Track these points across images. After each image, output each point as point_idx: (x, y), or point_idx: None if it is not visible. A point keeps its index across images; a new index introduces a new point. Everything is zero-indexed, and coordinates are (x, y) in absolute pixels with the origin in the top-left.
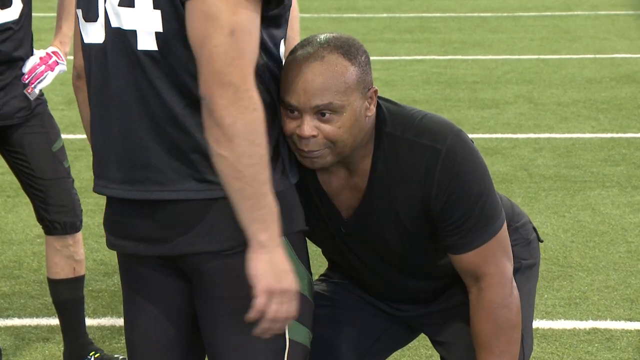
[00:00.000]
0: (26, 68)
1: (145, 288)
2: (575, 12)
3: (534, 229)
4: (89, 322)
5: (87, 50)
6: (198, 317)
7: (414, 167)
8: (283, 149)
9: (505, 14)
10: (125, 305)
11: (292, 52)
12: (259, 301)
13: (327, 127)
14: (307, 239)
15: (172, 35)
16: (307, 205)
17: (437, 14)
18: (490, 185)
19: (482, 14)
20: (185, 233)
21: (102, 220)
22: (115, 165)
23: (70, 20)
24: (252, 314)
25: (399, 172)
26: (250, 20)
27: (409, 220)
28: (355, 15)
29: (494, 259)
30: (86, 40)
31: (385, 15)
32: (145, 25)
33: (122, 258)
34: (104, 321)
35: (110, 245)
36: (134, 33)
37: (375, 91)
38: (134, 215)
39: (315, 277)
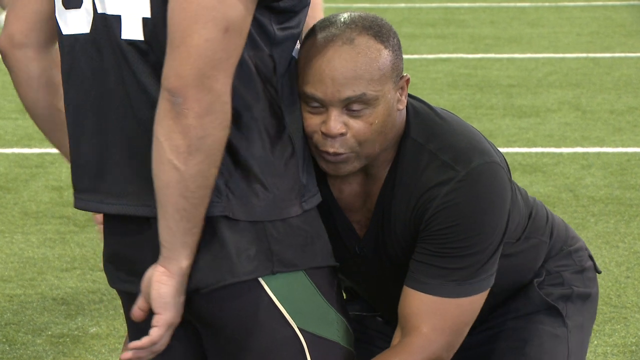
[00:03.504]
0: None
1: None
2: (631, 2)
3: (591, 257)
4: None
5: (68, 43)
6: (208, 356)
7: (423, 183)
8: (300, 161)
9: (546, 4)
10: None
11: (311, 35)
12: (158, 333)
13: (357, 124)
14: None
15: (161, 22)
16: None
17: (466, 4)
18: (495, 243)
19: (519, 4)
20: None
21: (63, 252)
22: (95, 174)
23: None
24: (142, 344)
25: (409, 187)
26: (245, 18)
27: (406, 239)
28: (367, 5)
29: (435, 322)
30: (65, 31)
31: (403, 5)
32: (132, 10)
33: (124, 296)
34: None
35: (112, 282)
36: (118, 19)
37: (408, 80)
38: (133, 240)
39: None
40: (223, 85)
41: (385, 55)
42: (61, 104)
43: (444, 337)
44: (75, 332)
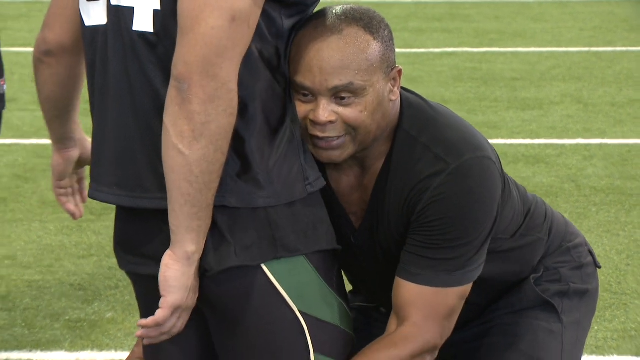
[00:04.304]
0: None
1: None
2: None
3: (591, 252)
4: (65, 356)
5: (90, 34)
6: (214, 341)
7: (415, 175)
8: (300, 148)
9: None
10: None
11: (304, 26)
12: (163, 314)
13: (347, 111)
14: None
15: (170, 14)
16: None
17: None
18: (484, 235)
19: (522, 0)
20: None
21: (80, 239)
22: (108, 165)
23: None
24: (147, 322)
25: (402, 178)
26: (252, 8)
27: (399, 231)
28: (374, 0)
29: (426, 312)
30: (87, 23)
31: (410, 0)
32: (144, 2)
33: (133, 278)
34: (82, 355)
35: (121, 265)
36: (131, 11)
37: (400, 71)
38: (139, 227)
39: None
40: (228, 73)
41: (374, 47)
42: (75, 94)
43: (437, 325)
44: (92, 317)
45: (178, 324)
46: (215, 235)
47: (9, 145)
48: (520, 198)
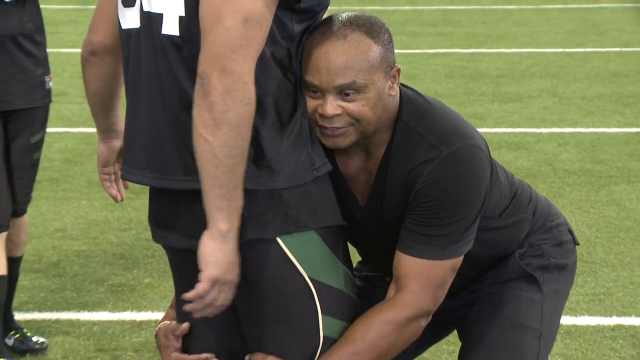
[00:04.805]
0: None
1: (190, 285)
2: (602, 5)
3: (570, 231)
4: (108, 316)
5: (125, 36)
6: (236, 305)
7: (412, 161)
8: (308, 139)
9: (529, 7)
10: (176, 302)
11: (313, 31)
12: (202, 287)
13: (351, 105)
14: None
15: (193, 20)
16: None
17: (461, 7)
18: (473, 214)
19: (506, 7)
20: (199, 225)
21: (121, 215)
22: (139, 151)
23: None
24: (190, 295)
25: (401, 163)
26: (263, 12)
27: (399, 210)
28: (377, 7)
29: (422, 282)
30: (124, 26)
31: (407, 8)
32: (171, 9)
33: (168, 252)
34: (123, 315)
35: (153, 237)
36: (160, 17)
37: (398, 70)
38: (168, 205)
39: None
40: (243, 68)
41: (374, 49)
42: (117, 90)
43: (430, 293)
44: (132, 282)
45: (220, 297)
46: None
47: (60, 133)
48: (508, 182)
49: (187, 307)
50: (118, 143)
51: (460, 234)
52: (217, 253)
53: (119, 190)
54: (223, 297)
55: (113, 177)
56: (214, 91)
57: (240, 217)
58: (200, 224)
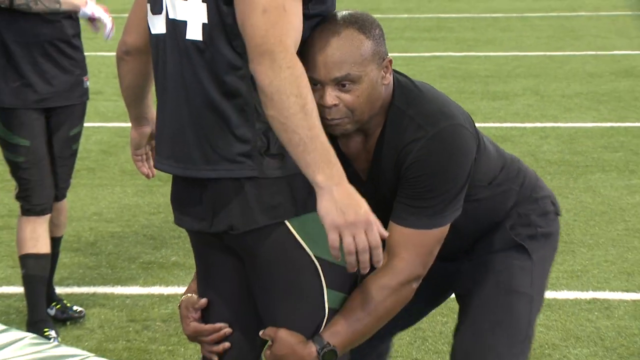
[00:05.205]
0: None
1: (206, 264)
2: (579, 13)
3: (554, 203)
4: (139, 290)
5: (155, 41)
6: (252, 289)
7: (403, 141)
8: None
9: (514, 15)
10: (197, 278)
11: (314, 30)
12: (330, 237)
13: (347, 97)
14: None
15: (214, 26)
16: None
17: (453, 15)
18: (458, 187)
19: (493, 15)
20: (220, 211)
21: (151, 200)
22: (166, 143)
23: None
24: (332, 251)
25: (393, 143)
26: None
27: (393, 184)
28: (378, 15)
29: (412, 249)
30: (153, 31)
31: (405, 15)
32: (195, 17)
33: (189, 233)
34: (153, 290)
35: (175, 219)
36: (184, 24)
37: (390, 61)
38: (186, 192)
39: None
40: (274, 43)
41: (366, 44)
42: (147, 83)
43: (420, 259)
44: (160, 260)
45: (359, 240)
46: (249, 199)
47: (97, 127)
48: (498, 153)
49: (349, 268)
50: (148, 129)
51: (445, 206)
52: (325, 204)
53: (149, 168)
54: (362, 239)
55: (144, 157)
56: (259, 74)
57: (332, 160)
58: (208, 208)
